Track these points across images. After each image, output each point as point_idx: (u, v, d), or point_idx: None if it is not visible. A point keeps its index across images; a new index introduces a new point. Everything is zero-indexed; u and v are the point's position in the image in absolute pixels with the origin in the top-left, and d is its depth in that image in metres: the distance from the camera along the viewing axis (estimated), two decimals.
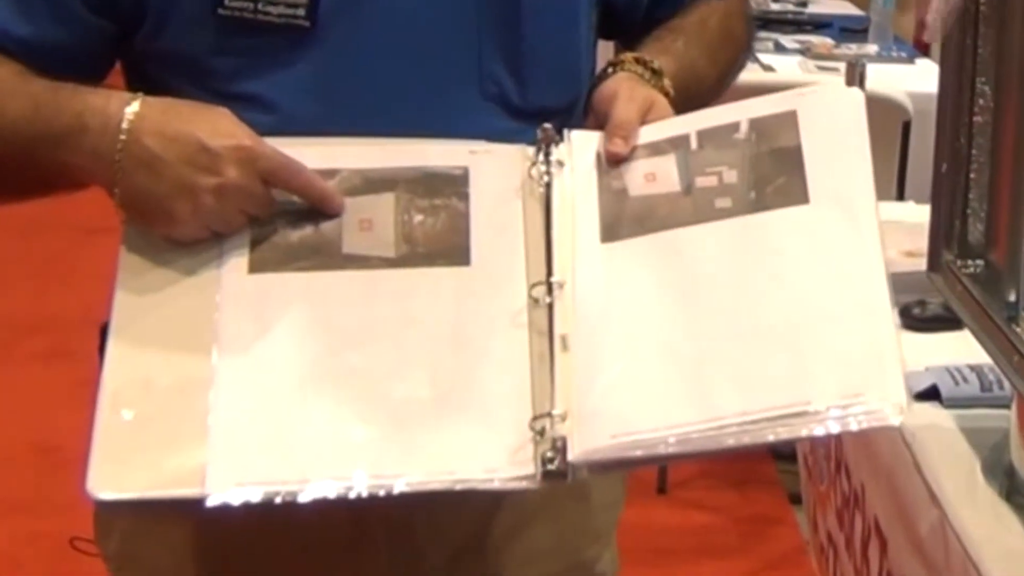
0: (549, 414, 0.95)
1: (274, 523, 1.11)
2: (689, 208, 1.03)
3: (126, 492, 0.95)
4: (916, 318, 1.66)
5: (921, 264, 1.67)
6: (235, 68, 1.08)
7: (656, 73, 1.13)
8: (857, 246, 0.98)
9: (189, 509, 0.95)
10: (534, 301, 1.01)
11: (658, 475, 2.97)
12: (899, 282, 1.72)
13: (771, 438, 0.91)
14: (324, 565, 1.14)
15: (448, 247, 1.03)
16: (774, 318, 0.95)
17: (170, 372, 0.99)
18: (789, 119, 1.04)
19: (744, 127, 1.05)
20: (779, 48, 3.45)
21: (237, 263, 1.02)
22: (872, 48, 3.50)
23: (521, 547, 1.19)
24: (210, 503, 0.93)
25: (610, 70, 1.15)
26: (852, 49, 3.46)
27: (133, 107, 1.02)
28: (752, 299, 0.97)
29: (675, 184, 1.04)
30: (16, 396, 3.18)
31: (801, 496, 2.13)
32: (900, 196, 2.90)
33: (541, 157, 1.07)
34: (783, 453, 3.02)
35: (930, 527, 1.33)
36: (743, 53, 1.27)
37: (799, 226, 0.99)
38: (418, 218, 1.04)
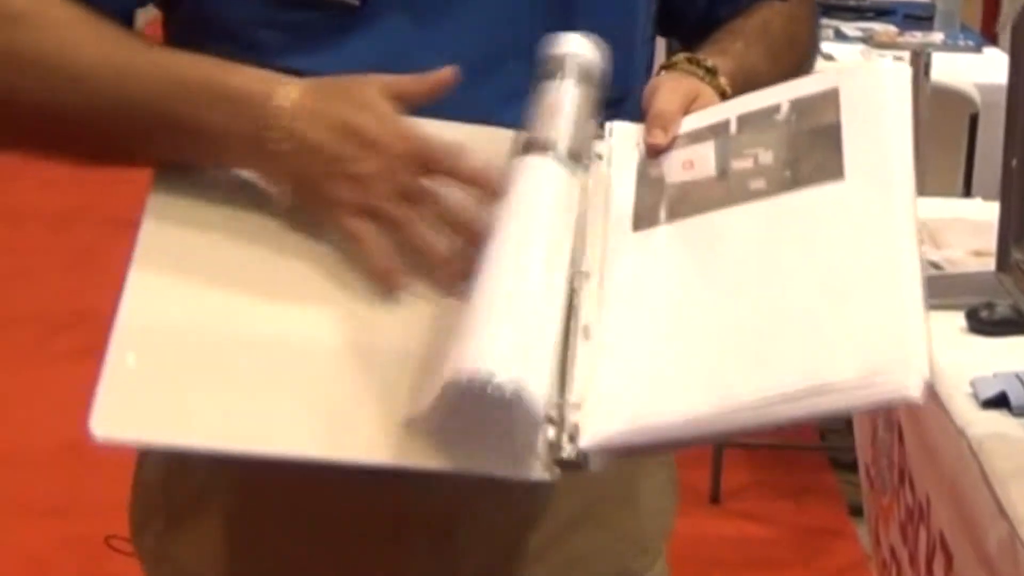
0: (565, 401, 0.96)
1: (309, 521, 1.12)
2: (722, 191, 1.04)
3: (127, 434, 0.97)
4: (984, 321, 1.64)
5: (989, 264, 1.66)
6: (281, 43, 1.08)
7: (710, 71, 1.14)
8: (889, 222, 0.98)
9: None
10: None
11: (711, 484, 2.96)
12: (966, 283, 1.72)
13: (787, 418, 0.91)
14: (360, 566, 1.15)
15: None
16: (798, 297, 0.96)
17: (189, 319, 1.01)
18: (831, 97, 1.05)
19: (785, 108, 1.06)
20: (840, 36, 3.44)
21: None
22: (938, 36, 3.48)
23: (565, 553, 1.19)
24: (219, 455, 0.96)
25: (662, 73, 1.15)
26: (916, 37, 3.44)
27: (288, 89, 1.02)
28: (777, 279, 0.98)
29: (711, 170, 1.05)
30: (48, 395, 3.21)
31: (862, 508, 2.12)
32: (967, 192, 2.88)
33: None
34: (843, 462, 3.01)
35: (999, 542, 1.32)
36: (807, 59, 1.27)
37: (832, 203, 1.00)
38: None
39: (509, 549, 1.16)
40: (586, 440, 0.95)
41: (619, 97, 1.14)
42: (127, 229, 1.07)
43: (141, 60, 1.04)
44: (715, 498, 2.97)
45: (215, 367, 0.99)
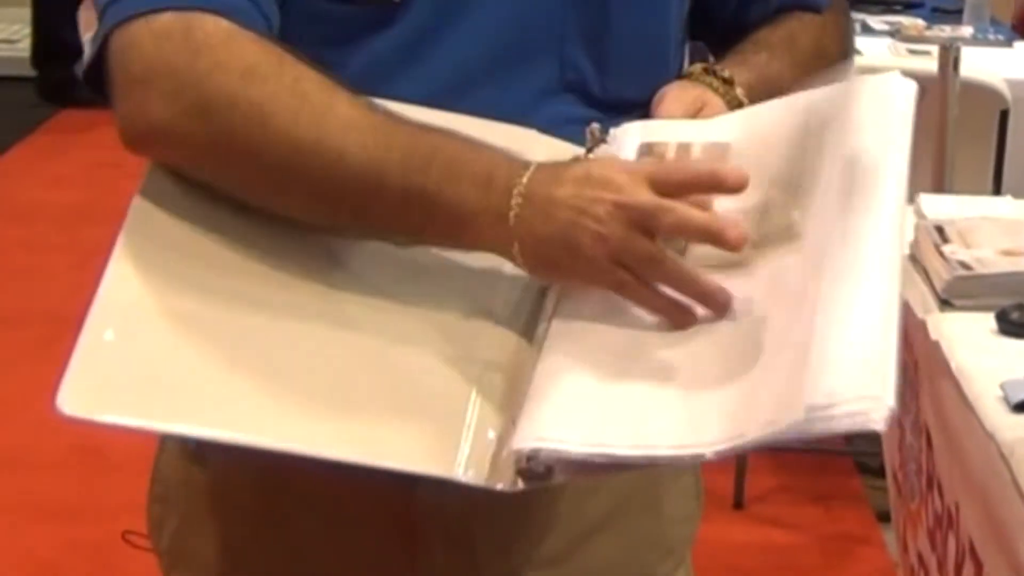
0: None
1: (326, 521, 1.13)
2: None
3: (94, 414, 0.97)
4: (1014, 323, 1.63)
5: (1020, 264, 1.65)
6: (320, 36, 1.08)
7: (726, 82, 1.15)
8: (872, 242, 0.97)
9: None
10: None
11: (734, 489, 2.95)
12: (995, 284, 1.71)
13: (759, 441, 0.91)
14: (377, 566, 1.16)
15: None
16: (752, 338, 0.96)
17: (173, 301, 1.01)
18: (838, 113, 1.04)
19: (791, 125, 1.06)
20: (866, 29, 3.42)
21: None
22: (967, 30, 3.46)
23: (586, 559, 1.19)
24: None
25: (674, 82, 1.15)
26: (945, 31, 3.43)
27: (527, 173, 1.01)
28: (738, 319, 0.98)
29: None
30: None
31: (889, 514, 2.11)
32: (997, 190, 2.86)
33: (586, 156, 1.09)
34: (870, 467, 3.00)
35: None
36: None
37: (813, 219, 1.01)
38: None
39: (528, 553, 1.16)
40: (537, 445, 0.94)
41: (647, 100, 1.15)
42: None
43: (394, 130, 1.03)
44: (739, 503, 2.96)
45: (194, 349, 0.99)
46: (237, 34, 1.01)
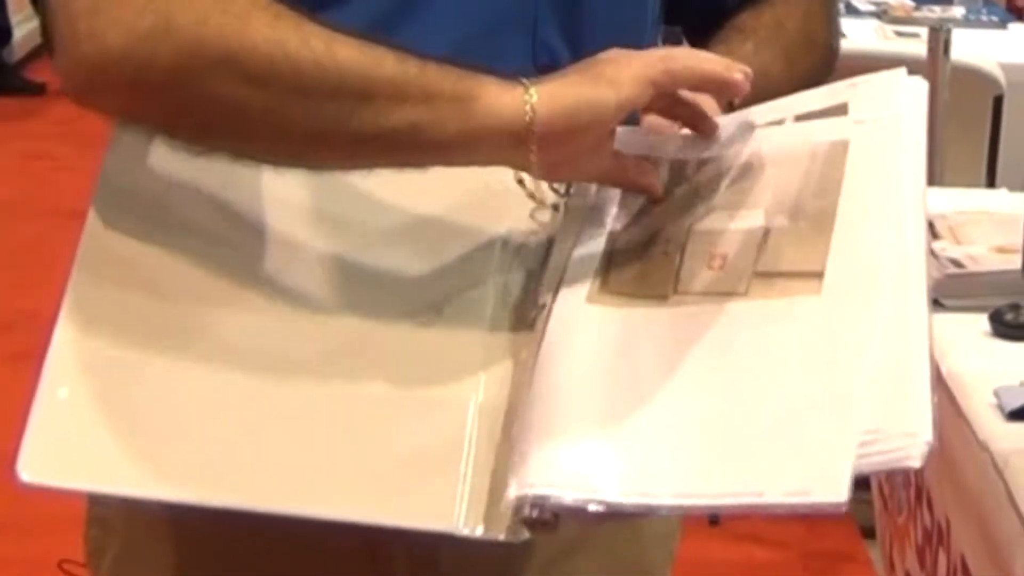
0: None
1: (279, 548, 1.13)
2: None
3: (53, 480, 0.98)
4: (1009, 324, 1.63)
5: (1015, 262, 1.65)
6: None
7: None
8: (895, 263, 0.96)
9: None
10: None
11: None
12: (989, 282, 1.71)
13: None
14: None
15: None
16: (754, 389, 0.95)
17: (124, 355, 1.01)
18: (838, 146, 1.02)
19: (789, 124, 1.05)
20: (851, 10, 3.43)
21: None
22: (958, 11, 3.48)
23: None
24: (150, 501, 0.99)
25: None
26: (935, 12, 3.44)
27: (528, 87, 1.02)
28: (739, 371, 0.97)
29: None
30: None
31: (875, 530, 2.11)
32: (991, 183, 2.88)
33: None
34: (855, 480, 3.00)
35: None
36: (827, 61, 1.26)
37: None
38: None
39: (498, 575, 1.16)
40: (546, 492, 0.93)
41: None
42: (72, 221, 1.06)
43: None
44: (715, 519, 2.96)
45: (156, 404, 0.99)
46: None
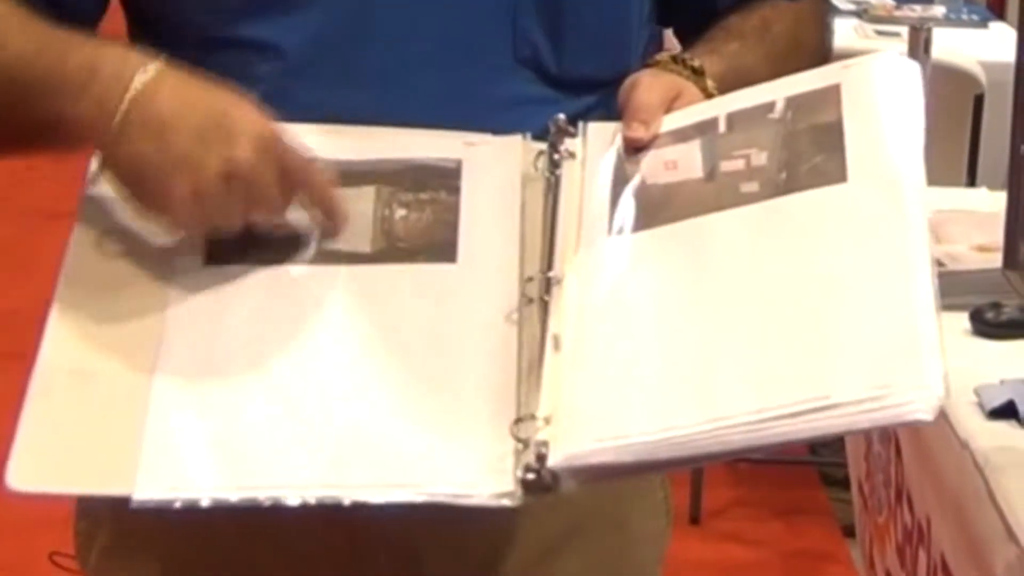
0: (532, 416, 0.96)
1: (263, 540, 1.13)
2: (710, 195, 1.04)
3: (47, 486, 0.98)
4: (989, 323, 1.65)
5: (995, 260, 1.66)
6: (241, 5, 1.09)
7: (696, 72, 1.15)
8: (898, 228, 0.99)
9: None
10: (527, 300, 1.03)
11: (690, 502, 2.96)
12: (969, 281, 1.72)
13: (784, 437, 0.91)
14: None
15: (432, 243, 1.06)
16: (796, 307, 0.97)
17: (110, 364, 1.02)
18: (831, 94, 1.05)
19: (780, 105, 1.06)
20: (831, 9, 3.44)
21: (192, 251, 1.04)
22: (939, 10, 3.49)
23: None
24: (135, 504, 0.98)
25: (643, 70, 1.16)
26: (916, 11, 3.46)
27: (153, 65, 1.02)
28: (772, 288, 0.99)
29: (697, 171, 1.06)
30: None
31: (855, 529, 2.12)
32: (971, 182, 2.89)
33: (549, 149, 1.09)
34: (835, 479, 3.02)
35: (1007, 567, 1.32)
36: (814, 65, 1.26)
37: (833, 207, 1.01)
38: (400, 212, 1.07)
39: (482, 573, 1.17)
40: (555, 459, 0.94)
41: (609, 80, 1.15)
42: (52, 222, 1.07)
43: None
44: (695, 518, 2.97)
45: (135, 411, 1.00)
46: None
